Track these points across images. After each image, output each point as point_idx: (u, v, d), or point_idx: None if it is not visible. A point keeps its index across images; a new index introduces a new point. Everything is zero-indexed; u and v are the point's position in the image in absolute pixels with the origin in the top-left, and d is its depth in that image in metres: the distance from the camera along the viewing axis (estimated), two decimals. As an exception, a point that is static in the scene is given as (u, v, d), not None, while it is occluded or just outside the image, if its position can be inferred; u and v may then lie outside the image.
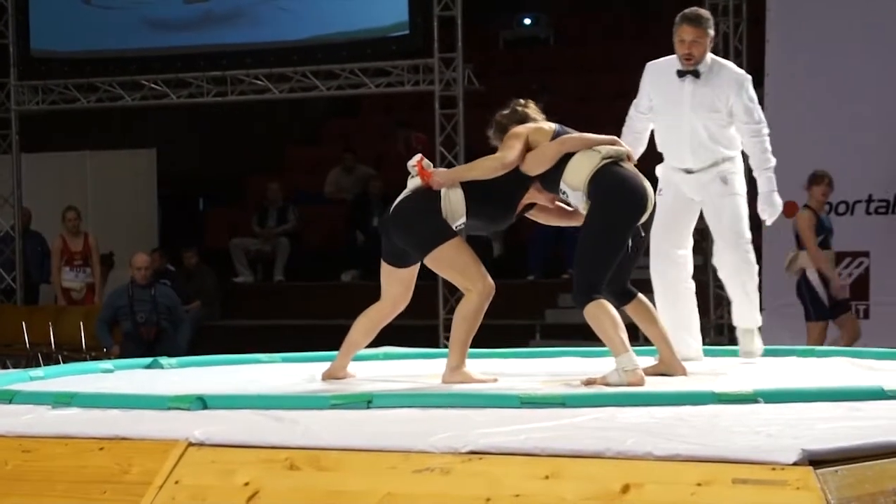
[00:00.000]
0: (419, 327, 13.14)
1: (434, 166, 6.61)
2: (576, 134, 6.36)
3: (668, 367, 6.41)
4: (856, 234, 11.45)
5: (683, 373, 6.37)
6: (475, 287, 6.40)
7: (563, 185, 6.25)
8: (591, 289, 6.14)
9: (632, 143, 6.87)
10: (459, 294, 13.64)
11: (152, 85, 14.12)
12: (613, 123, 7.23)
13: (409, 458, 4.36)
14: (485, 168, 6.46)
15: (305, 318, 14.71)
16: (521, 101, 6.65)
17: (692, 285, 7.25)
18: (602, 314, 6.10)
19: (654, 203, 6.32)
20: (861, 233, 11.41)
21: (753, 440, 4.24)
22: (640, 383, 5.97)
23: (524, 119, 6.53)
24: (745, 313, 7.27)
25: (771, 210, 7.23)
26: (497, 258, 15.12)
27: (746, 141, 7.15)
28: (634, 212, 6.18)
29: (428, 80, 13.33)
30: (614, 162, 6.19)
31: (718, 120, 7.07)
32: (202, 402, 5.24)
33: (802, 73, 11.85)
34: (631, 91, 7.34)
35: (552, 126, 6.47)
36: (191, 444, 4.61)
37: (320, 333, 13.59)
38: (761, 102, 12.28)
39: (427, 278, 15.54)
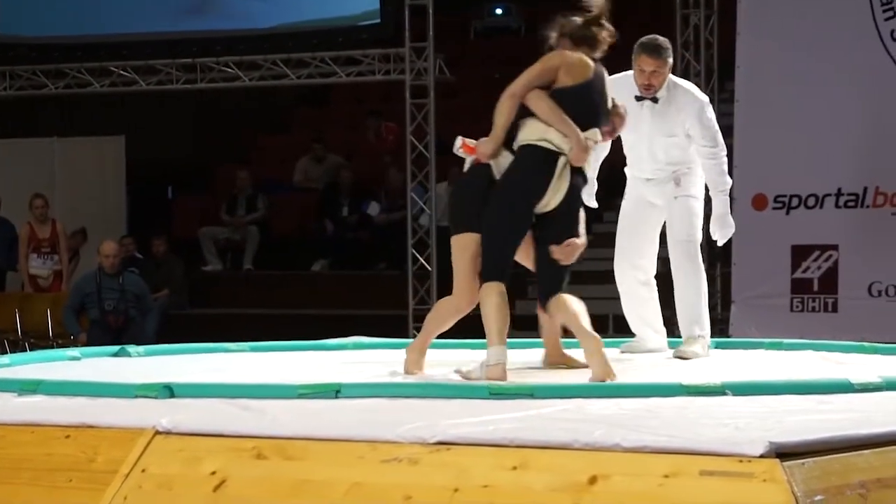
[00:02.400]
0: (388, 317, 13.14)
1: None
2: (551, 106, 6.15)
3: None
4: (825, 227, 11.47)
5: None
6: (456, 292, 6.25)
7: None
8: (493, 270, 6.08)
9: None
10: (429, 284, 13.63)
11: (121, 72, 14.05)
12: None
13: (376, 447, 4.35)
14: (502, 110, 6.24)
15: (274, 308, 14.67)
16: (599, 18, 6.34)
17: (653, 284, 7.31)
18: (489, 298, 6.04)
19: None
20: (830, 226, 11.43)
21: (721, 432, 4.25)
22: (500, 379, 5.82)
23: (579, 43, 6.28)
24: (687, 321, 7.22)
25: (724, 231, 7.28)
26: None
27: (704, 163, 7.19)
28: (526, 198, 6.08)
29: (399, 70, 13.30)
30: (555, 154, 6.10)
31: (677, 143, 7.15)
32: (169, 391, 5.22)
33: (773, 66, 11.86)
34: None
35: (587, 74, 6.23)
36: (158, 433, 4.60)
37: (289, 323, 13.60)
38: (731, 96, 12.42)
39: (396, 268, 15.60)
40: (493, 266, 6.11)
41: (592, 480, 4.07)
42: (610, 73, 6.82)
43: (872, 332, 9.71)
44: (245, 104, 17.32)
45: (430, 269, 13.00)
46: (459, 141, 6.33)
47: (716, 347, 7.42)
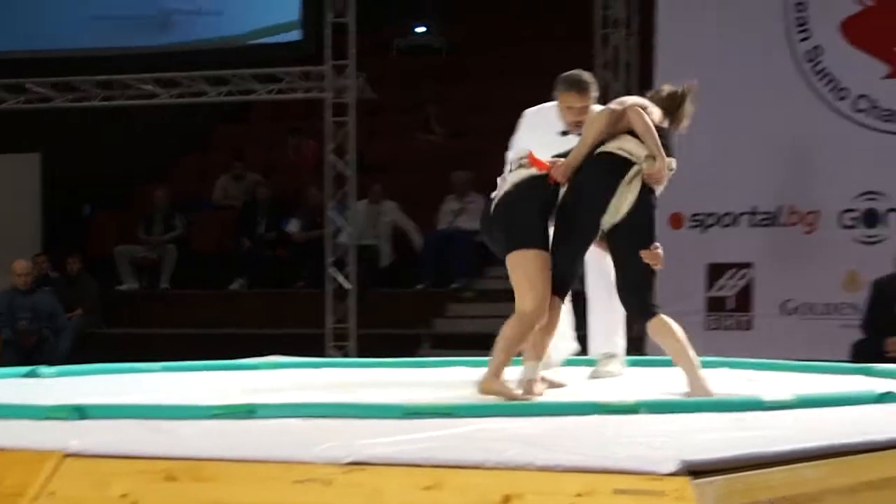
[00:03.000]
0: (306, 336, 13.10)
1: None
2: (649, 124, 6.29)
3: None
4: (740, 245, 11.59)
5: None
6: (523, 307, 6.05)
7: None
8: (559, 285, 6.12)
9: None
10: (347, 303, 13.51)
11: (38, 88, 13.91)
12: (507, 132, 7.25)
13: (290, 468, 4.32)
14: (589, 132, 6.32)
15: (192, 327, 14.58)
16: (685, 95, 6.70)
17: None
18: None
19: None
20: (745, 245, 11.55)
21: (634, 451, 4.26)
22: (529, 395, 5.91)
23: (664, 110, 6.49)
24: (603, 340, 7.27)
25: None
26: (387, 267, 15.11)
27: None
28: None
29: (320, 88, 13.28)
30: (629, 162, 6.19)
31: None
32: (80, 412, 5.15)
33: (690, 86, 11.97)
34: (525, 100, 7.36)
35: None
36: (66, 455, 4.53)
37: (206, 342, 13.51)
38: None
39: (314, 287, 15.51)
40: (560, 281, 6.10)
41: (506, 500, 4.06)
42: (530, 96, 6.91)
43: (786, 349, 9.80)
44: (164, 121, 17.21)
45: (348, 287, 12.96)
46: (527, 156, 6.28)
47: (631, 365, 7.45)
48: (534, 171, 6.23)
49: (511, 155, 6.99)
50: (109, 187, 17.00)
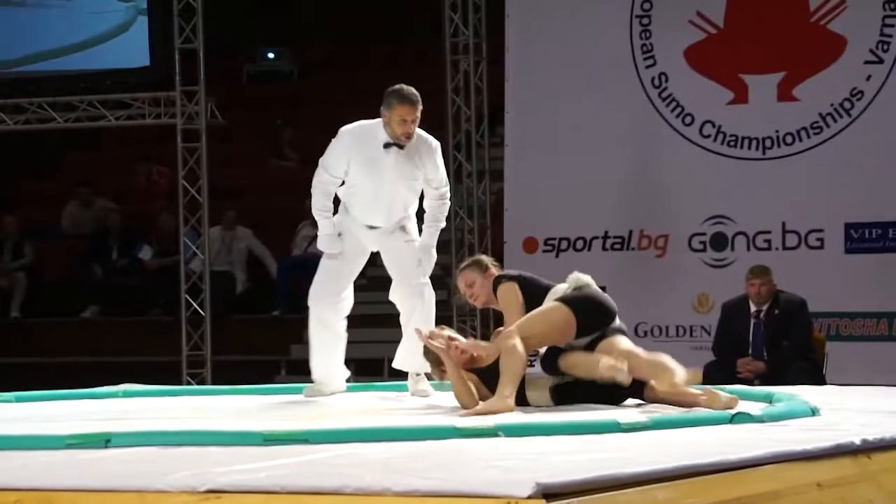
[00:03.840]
0: (162, 363, 12.95)
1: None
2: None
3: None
4: (593, 269, 11.66)
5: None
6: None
7: None
8: None
9: (325, 204, 7.38)
10: (202, 329, 13.38)
11: None
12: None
13: (144, 498, 4.27)
14: None
15: (44, 356, 14.34)
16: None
17: (345, 323, 7.61)
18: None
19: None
20: (598, 268, 11.64)
21: (490, 474, 4.28)
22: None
23: None
24: (415, 360, 7.39)
25: (427, 259, 7.53)
26: (242, 293, 15.02)
27: (431, 202, 7.54)
28: None
29: (170, 114, 13.15)
30: None
31: (414, 186, 7.44)
32: (-70, 444, 5.06)
33: (541, 111, 12.11)
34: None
35: None
36: (-85, 489, 4.44)
37: (59, 371, 13.29)
38: (501, 140, 12.63)
39: (168, 314, 15.29)
40: None
41: (365, 526, 4.07)
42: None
43: (639, 371, 9.92)
44: (11, 148, 16.91)
45: (203, 314, 12.86)
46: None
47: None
48: None
49: (324, 175, 7.37)
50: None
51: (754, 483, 4.56)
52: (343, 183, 7.42)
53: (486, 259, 7.10)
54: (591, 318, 6.63)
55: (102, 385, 8.16)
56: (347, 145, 7.37)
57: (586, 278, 6.74)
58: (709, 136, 11.67)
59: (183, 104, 13.00)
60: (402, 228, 7.48)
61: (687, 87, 11.71)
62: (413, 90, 7.33)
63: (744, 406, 6.21)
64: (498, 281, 6.91)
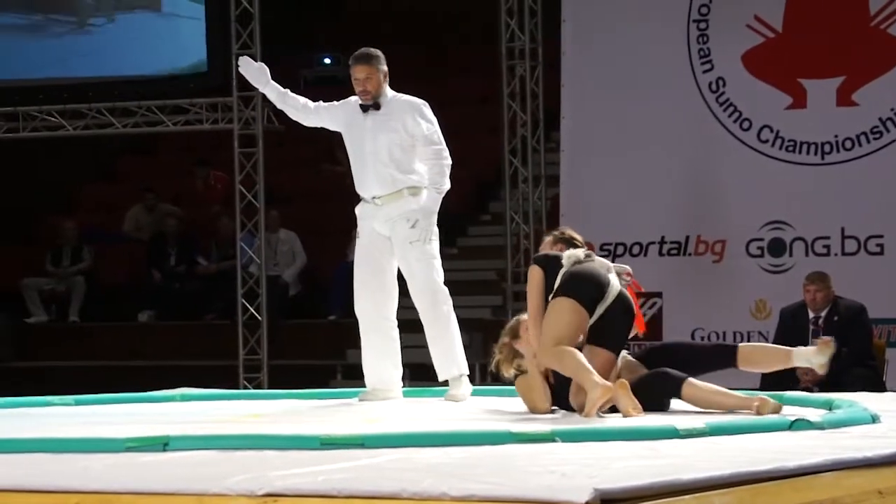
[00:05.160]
0: (218, 368, 13.01)
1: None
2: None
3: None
4: (649, 275, 11.66)
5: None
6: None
7: None
8: None
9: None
10: (259, 334, 13.45)
11: (-59, 120, 13.74)
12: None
13: (203, 501, 4.30)
14: None
15: (101, 359, 14.44)
16: None
17: (394, 323, 7.58)
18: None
19: None
20: (654, 274, 11.64)
21: (548, 479, 4.28)
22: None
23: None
24: (445, 365, 7.46)
25: (427, 224, 7.48)
26: (295, 297, 15.04)
27: (428, 164, 7.51)
28: None
29: (227, 119, 13.23)
30: None
31: (399, 141, 7.46)
32: (-9, 446, 5.11)
33: (597, 117, 12.09)
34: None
35: None
36: (-23, 490, 4.49)
37: (117, 374, 13.39)
38: (557, 145, 12.60)
39: (225, 318, 15.39)
40: None
41: (421, 530, 4.07)
42: None
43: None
44: (70, 153, 17.05)
45: (259, 318, 12.91)
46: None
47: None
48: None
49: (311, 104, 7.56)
50: (16, 220, 16.81)
51: (813, 490, 4.53)
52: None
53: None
54: (588, 294, 6.52)
55: (159, 389, 8.20)
56: (340, 107, 7.71)
57: (579, 253, 6.65)
58: (766, 141, 11.60)
59: (240, 109, 13.08)
60: (411, 223, 7.39)
61: (745, 92, 11.65)
62: (369, 50, 7.61)
63: (803, 413, 6.17)
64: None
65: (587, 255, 6.69)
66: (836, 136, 11.43)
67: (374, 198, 7.48)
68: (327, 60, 18.46)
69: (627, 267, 6.74)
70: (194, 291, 15.22)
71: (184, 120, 13.47)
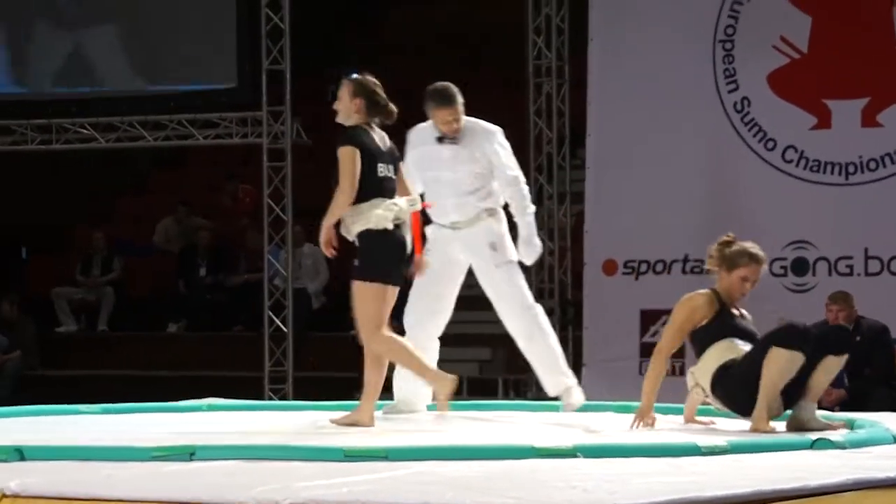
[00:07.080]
0: (244, 379, 13.08)
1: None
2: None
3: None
4: (673, 292, 11.66)
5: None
6: None
7: None
8: None
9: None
10: (285, 346, 13.51)
11: (-26, 133, 13.86)
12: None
13: (229, 510, 4.35)
14: None
15: (129, 369, 14.52)
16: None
17: (437, 344, 7.62)
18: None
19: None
20: (678, 291, 11.61)
21: (570, 494, 4.31)
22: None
23: None
24: (553, 380, 7.51)
25: (529, 251, 7.58)
26: (318, 310, 15.07)
27: (505, 190, 7.54)
28: None
29: (256, 133, 13.32)
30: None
31: (479, 170, 7.48)
32: (19, 454, 5.16)
33: (623, 135, 12.12)
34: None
35: None
36: (5, 496, 4.54)
37: (144, 384, 13.46)
38: (582, 163, 12.64)
39: (252, 330, 15.46)
40: None
41: (442, 542, 4.11)
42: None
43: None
44: (102, 165, 17.16)
45: (285, 330, 12.98)
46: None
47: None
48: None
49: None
50: (47, 230, 16.92)
51: (834, 509, 4.57)
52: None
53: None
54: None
55: (186, 399, 8.27)
56: (412, 142, 7.64)
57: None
58: (791, 161, 11.63)
59: (269, 124, 13.16)
60: (493, 247, 7.44)
61: (770, 112, 11.67)
62: (450, 89, 7.59)
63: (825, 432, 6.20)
64: None
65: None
66: (860, 157, 11.45)
67: (452, 223, 7.53)
68: (355, 76, 18.53)
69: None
70: (222, 303, 15.30)
71: (214, 134, 13.56)
